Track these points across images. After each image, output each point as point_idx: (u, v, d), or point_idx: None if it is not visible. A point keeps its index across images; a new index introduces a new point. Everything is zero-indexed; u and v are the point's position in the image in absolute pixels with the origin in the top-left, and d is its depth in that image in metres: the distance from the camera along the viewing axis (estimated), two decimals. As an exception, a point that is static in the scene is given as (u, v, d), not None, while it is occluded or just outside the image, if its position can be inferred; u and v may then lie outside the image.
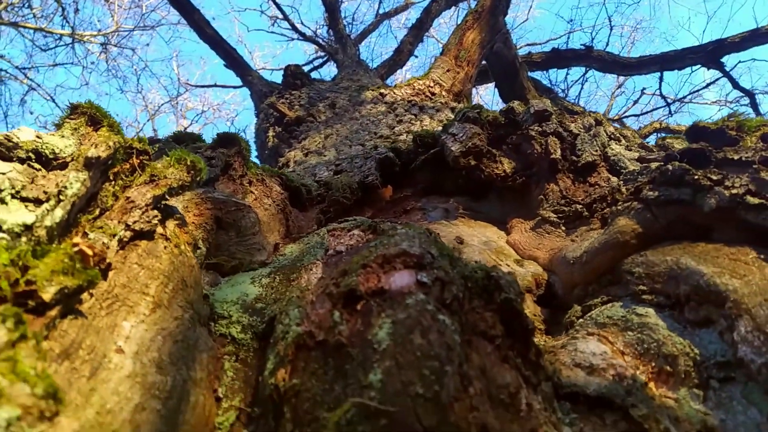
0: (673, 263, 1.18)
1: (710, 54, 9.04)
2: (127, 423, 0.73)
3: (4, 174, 0.95)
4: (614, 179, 1.86)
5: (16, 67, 13.64)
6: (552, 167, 2.04)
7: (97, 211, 1.03)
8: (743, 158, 1.21)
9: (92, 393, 0.73)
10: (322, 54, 13.03)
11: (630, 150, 2.06)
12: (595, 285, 1.43)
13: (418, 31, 9.95)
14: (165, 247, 1.08)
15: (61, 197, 0.94)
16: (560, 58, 10.31)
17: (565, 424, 0.95)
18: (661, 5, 28.82)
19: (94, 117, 1.26)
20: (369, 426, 0.70)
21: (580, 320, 1.33)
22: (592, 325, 1.25)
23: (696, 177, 1.25)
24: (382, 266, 1.01)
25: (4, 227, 0.81)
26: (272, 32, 16.19)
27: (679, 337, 1.08)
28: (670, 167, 1.32)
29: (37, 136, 1.09)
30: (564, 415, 0.99)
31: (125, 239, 1.02)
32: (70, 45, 13.57)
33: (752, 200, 1.12)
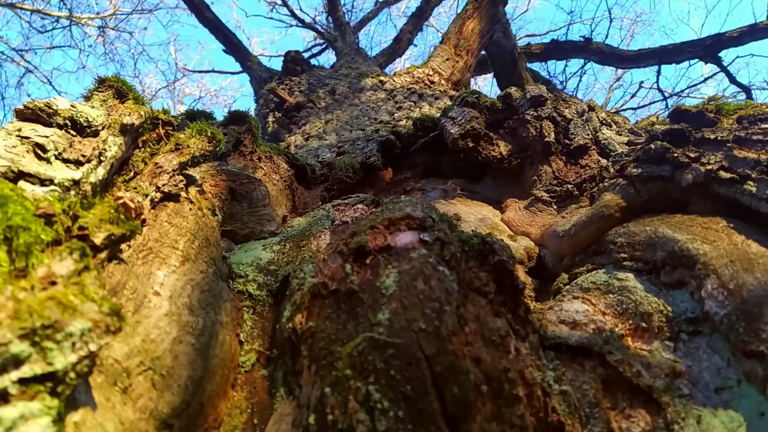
0: (651, 232, 1.30)
1: (708, 48, 9.09)
2: (167, 351, 0.84)
3: (47, 137, 1.05)
4: (604, 161, 1.96)
5: (14, 49, 13.60)
6: (546, 150, 2.14)
7: (132, 174, 1.13)
8: (719, 138, 1.32)
9: (137, 325, 0.84)
10: (321, 41, 13.00)
11: (620, 135, 2.17)
12: (582, 255, 1.54)
13: (418, 19, 9.98)
14: (190, 209, 1.19)
15: (102, 158, 1.04)
16: (559, 49, 10.35)
17: (549, 369, 1.07)
18: (661, -2, 28.81)
19: (120, 90, 1.36)
20: (378, 355, 0.81)
21: (567, 286, 1.44)
22: (577, 290, 1.37)
23: (675, 155, 1.36)
24: (388, 228, 1.12)
25: (56, 181, 0.92)
26: (270, 18, 16.19)
27: (654, 297, 1.20)
28: (652, 146, 1.43)
29: (72, 105, 1.19)
30: (548, 362, 1.10)
31: (155, 200, 1.12)
32: (68, 27, 13.52)
33: (725, 175, 1.23)
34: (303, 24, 13.21)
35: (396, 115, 4.82)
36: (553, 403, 0.96)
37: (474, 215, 2.09)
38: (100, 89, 1.36)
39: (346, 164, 2.47)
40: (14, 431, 0.55)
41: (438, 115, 3.22)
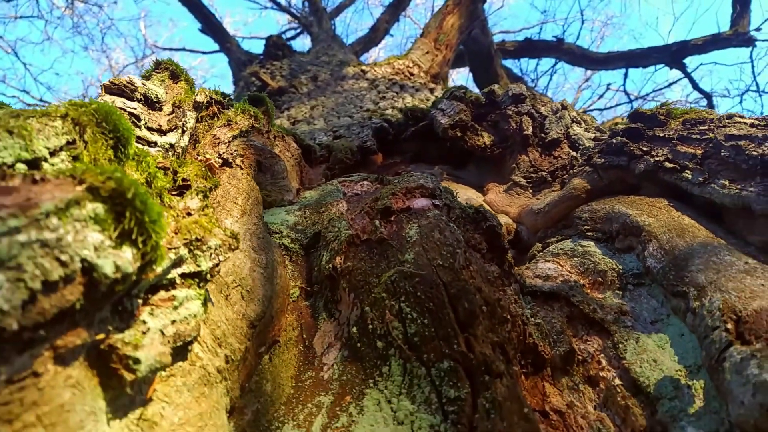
0: (609, 209, 1.62)
1: (674, 54, 9.50)
2: (248, 275, 1.11)
3: (135, 109, 1.30)
4: (574, 153, 2.29)
5: (-24, 18, 13.21)
6: (524, 141, 2.46)
7: (202, 143, 1.39)
8: (666, 135, 1.65)
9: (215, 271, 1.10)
10: (296, 26, 12.91)
11: (588, 131, 2.50)
12: (553, 229, 1.86)
13: (395, 10, 10.13)
14: (242, 173, 1.45)
15: (185, 128, 1.29)
16: (532, 48, 10.63)
17: (527, 308, 1.38)
18: (631, 2, 29.63)
19: (173, 72, 1.60)
20: (407, 282, 1.10)
21: (540, 253, 1.75)
22: (548, 255, 1.68)
23: (632, 148, 1.68)
24: (406, 195, 1.41)
25: (159, 144, 1.17)
26: (245, -1, 15.94)
27: (609, 259, 1.52)
28: (613, 141, 1.76)
29: (142, 83, 1.43)
30: (526, 303, 1.41)
31: (218, 164, 1.38)
32: (35, -3, 13.20)
33: (668, 165, 1.56)
34: (279, 7, 13.06)
35: (381, 104, 5.08)
36: (530, 330, 1.26)
37: (461, 196, 2.39)
38: (157, 70, 1.60)
39: (345, 147, 2.74)
40: (183, 306, 0.81)
41: (425, 106, 3.51)
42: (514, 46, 10.64)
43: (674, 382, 1.06)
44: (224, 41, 9.02)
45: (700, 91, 10.88)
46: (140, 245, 0.68)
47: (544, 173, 2.26)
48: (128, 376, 0.66)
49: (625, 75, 11.19)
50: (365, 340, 1.09)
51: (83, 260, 0.60)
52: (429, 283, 1.10)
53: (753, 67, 12.81)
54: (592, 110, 14.35)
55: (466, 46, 8.57)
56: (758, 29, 8.68)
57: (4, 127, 0.70)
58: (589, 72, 15.63)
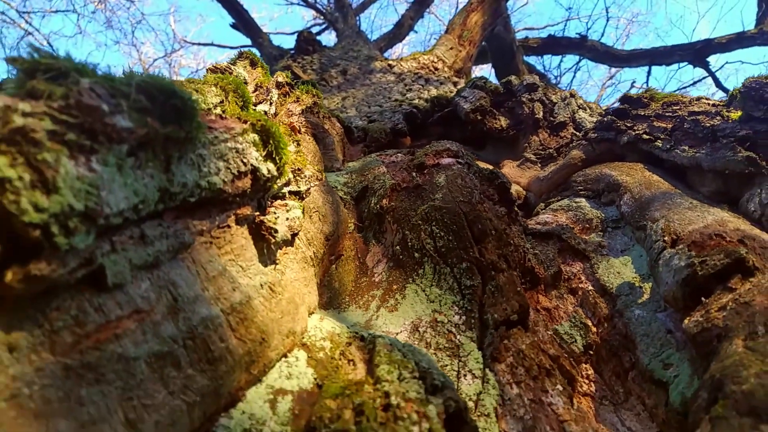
0: (598, 172, 2.02)
1: (698, 52, 9.59)
2: (322, 205, 1.54)
3: (234, 87, 1.73)
4: (577, 133, 2.68)
5: (17, 10, 13.88)
6: (535, 124, 2.85)
7: (280, 114, 1.82)
8: (646, 114, 2.04)
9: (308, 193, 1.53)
10: (321, 21, 13.17)
11: (592, 116, 2.88)
12: (555, 192, 2.26)
13: (420, 6, 10.41)
14: (308, 138, 1.88)
15: (271, 101, 1.73)
16: (556, 44, 10.77)
17: (528, 243, 1.78)
18: (658, 0, 29.47)
19: (252, 60, 2.04)
20: (437, 212, 1.52)
21: (543, 210, 2.16)
22: (549, 211, 2.08)
23: (618, 124, 2.07)
24: (436, 155, 1.83)
25: (257, 109, 1.60)
26: (272, -6, 16.35)
27: (596, 210, 1.92)
28: (605, 119, 2.15)
29: (234, 68, 1.87)
30: (528, 242, 1.82)
31: (297, 129, 1.81)
32: (69, -9, 13.73)
33: (645, 137, 1.95)
34: (305, 3, 13.40)
35: (408, 95, 5.49)
36: (529, 256, 1.67)
37: (479, 169, 2.80)
38: (240, 59, 2.04)
39: (380, 128, 3.16)
40: (291, 210, 1.24)
41: (450, 95, 3.92)
42: (537, 42, 10.79)
43: (630, 285, 1.46)
44: (256, 36, 9.45)
45: (724, 89, 10.91)
46: (277, 161, 1.11)
47: (551, 150, 2.66)
48: (272, 239, 1.09)
49: (648, 72, 11.34)
50: (406, 253, 1.52)
51: (251, 164, 1.03)
52: (453, 213, 1.52)
53: (776, 65, 12.80)
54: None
55: (488, 42, 8.85)
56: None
57: (192, 88, 1.14)
58: (613, 70, 15.78)
